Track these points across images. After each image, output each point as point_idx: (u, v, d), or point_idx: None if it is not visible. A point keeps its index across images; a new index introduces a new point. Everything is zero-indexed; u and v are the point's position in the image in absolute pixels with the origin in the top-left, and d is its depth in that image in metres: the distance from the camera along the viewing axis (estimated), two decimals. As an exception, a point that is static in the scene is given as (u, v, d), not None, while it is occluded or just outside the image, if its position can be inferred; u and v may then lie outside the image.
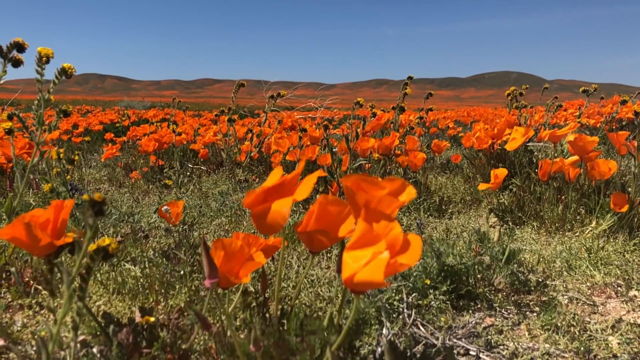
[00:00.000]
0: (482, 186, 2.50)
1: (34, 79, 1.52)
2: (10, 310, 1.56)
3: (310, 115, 7.16)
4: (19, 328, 1.43)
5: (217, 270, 0.87)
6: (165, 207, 2.14)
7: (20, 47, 1.62)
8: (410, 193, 0.82)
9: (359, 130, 3.31)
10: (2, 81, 1.65)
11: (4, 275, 1.71)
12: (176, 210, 2.12)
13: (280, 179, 0.85)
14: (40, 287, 1.64)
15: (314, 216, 0.86)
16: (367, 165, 3.54)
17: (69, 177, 3.35)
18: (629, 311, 1.62)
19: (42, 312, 1.56)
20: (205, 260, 0.86)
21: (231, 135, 4.62)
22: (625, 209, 2.21)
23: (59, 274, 1.05)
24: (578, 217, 2.51)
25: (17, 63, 1.65)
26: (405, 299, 1.57)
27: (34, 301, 1.60)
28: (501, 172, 2.46)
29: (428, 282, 1.62)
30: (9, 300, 1.62)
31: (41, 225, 0.99)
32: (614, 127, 6.18)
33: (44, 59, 1.51)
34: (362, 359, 1.05)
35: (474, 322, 1.52)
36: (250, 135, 4.51)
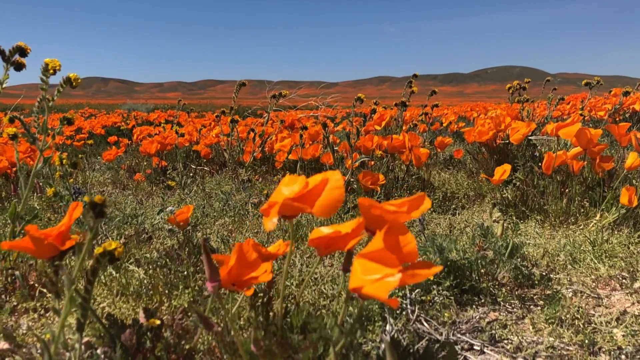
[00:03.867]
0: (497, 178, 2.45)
1: (39, 88, 1.54)
2: (16, 314, 1.57)
3: (312, 114, 7.16)
4: (24, 331, 1.44)
5: (218, 273, 0.87)
6: (170, 208, 2.15)
7: (23, 52, 1.63)
8: (425, 205, 0.81)
9: (359, 127, 3.31)
10: (4, 84, 1.66)
11: (9, 279, 1.72)
12: (185, 216, 2.12)
13: (303, 189, 0.83)
14: (45, 290, 1.65)
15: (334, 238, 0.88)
16: (370, 162, 3.54)
17: (71, 180, 3.37)
18: (633, 303, 1.62)
19: (47, 315, 1.57)
20: (206, 264, 0.86)
21: (234, 136, 4.63)
22: (635, 203, 2.18)
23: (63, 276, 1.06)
24: (582, 210, 2.50)
25: (19, 67, 1.66)
26: (408, 295, 1.57)
27: (39, 304, 1.61)
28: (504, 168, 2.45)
29: (431, 277, 1.62)
30: (14, 303, 1.62)
31: (47, 231, 1.00)
32: (617, 119, 6.15)
33: (51, 71, 1.52)
34: (365, 356, 1.05)
35: (477, 317, 1.52)
36: (252, 135, 4.51)
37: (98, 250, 0.91)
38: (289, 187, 0.84)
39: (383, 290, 0.67)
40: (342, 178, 0.83)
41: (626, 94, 3.86)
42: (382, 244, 0.70)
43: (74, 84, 1.57)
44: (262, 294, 1.21)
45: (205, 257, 0.85)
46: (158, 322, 1.15)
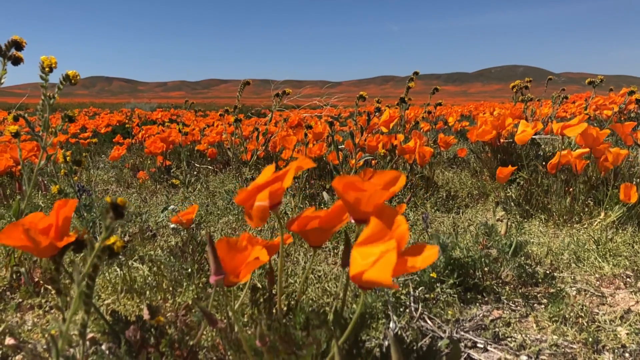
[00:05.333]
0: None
1: (40, 86, 1.54)
2: (21, 310, 1.58)
3: (317, 114, 7.16)
4: (29, 327, 1.45)
5: (223, 267, 0.87)
6: (173, 207, 2.15)
7: (18, 45, 1.62)
8: (400, 183, 0.82)
9: (363, 126, 3.31)
10: (3, 80, 1.65)
11: (14, 276, 1.73)
12: (189, 216, 2.12)
13: (273, 175, 0.86)
14: (49, 287, 1.66)
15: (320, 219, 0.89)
16: (373, 161, 3.54)
17: (76, 178, 3.38)
18: (637, 301, 1.61)
19: (52, 311, 1.57)
20: (211, 257, 0.86)
21: (237, 135, 4.64)
22: (634, 199, 2.19)
23: (64, 273, 1.06)
24: (586, 209, 2.49)
25: (16, 61, 1.65)
26: (412, 292, 1.57)
27: (43, 301, 1.61)
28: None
29: (435, 275, 1.62)
30: (20, 300, 1.63)
31: (44, 228, 1.00)
32: (622, 118, 6.12)
33: (47, 68, 1.52)
34: (368, 353, 1.05)
35: (481, 315, 1.52)
36: (256, 133, 4.52)
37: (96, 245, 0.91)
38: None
39: (385, 271, 0.66)
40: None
41: (631, 93, 3.84)
42: (377, 224, 0.70)
43: (72, 81, 1.57)
44: (263, 291, 1.21)
45: (210, 250, 0.86)
46: (162, 319, 1.15)
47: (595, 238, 2.09)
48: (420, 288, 1.61)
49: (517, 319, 1.51)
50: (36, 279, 1.69)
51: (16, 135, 1.93)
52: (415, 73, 4.24)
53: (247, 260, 0.99)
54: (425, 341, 1.36)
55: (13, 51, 1.60)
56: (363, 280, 0.69)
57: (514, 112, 3.87)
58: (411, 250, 0.73)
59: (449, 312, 1.51)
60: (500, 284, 1.71)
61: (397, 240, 0.70)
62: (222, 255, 0.95)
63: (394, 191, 0.79)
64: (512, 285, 1.72)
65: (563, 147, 2.92)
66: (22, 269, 1.66)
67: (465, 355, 1.33)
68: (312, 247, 0.97)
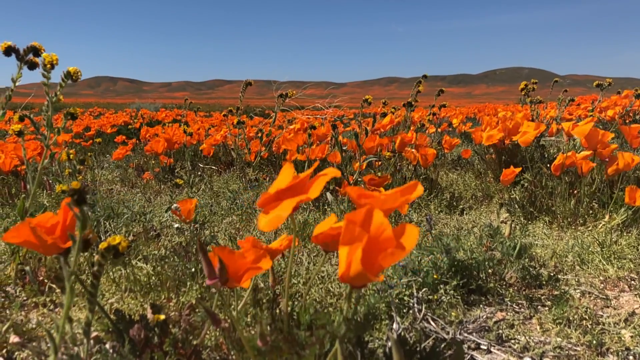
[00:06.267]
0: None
1: (42, 84, 1.55)
2: (25, 309, 1.59)
3: (320, 115, 7.16)
4: (33, 326, 1.46)
5: (216, 271, 0.88)
6: (175, 205, 2.16)
7: (36, 51, 1.64)
8: (417, 191, 0.82)
9: (368, 128, 3.31)
10: (17, 83, 1.67)
11: (19, 274, 1.74)
12: (188, 208, 2.13)
13: (292, 180, 0.86)
14: (54, 286, 1.67)
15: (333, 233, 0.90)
16: (377, 162, 3.54)
17: (80, 177, 3.39)
18: (642, 304, 1.61)
19: (56, 310, 1.58)
20: (204, 263, 0.87)
21: (241, 136, 4.64)
22: (639, 202, 2.18)
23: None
24: (591, 211, 2.49)
25: (32, 65, 1.67)
26: (415, 294, 1.57)
27: (48, 299, 1.62)
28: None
29: (438, 277, 1.62)
30: (24, 298, 1.64)
31: (50, 227, 1.00)
32: (627, 120, 6.10)
33: (48, 65, 1.54)
34: (371, 353, 1.05)
35: (484, 317, 1.52)
36: (260, 134, 4.53)
37: (102, 245, 0.91)
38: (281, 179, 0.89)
39: (355, 264, 0.72)
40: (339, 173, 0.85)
41: (638, 96, 3.83)
42: (347, 223, 0.73)
43: (74, 77, 1.58)
44: (268, 291, 1.21)
45: (202, 256, 0.87)
46: (162, 317, 1.16)
47: (600, 240, 2.08)
48: (424, 289, 1.61)
49: (521, 321, 1.51)
50: (41, 278, 1.70)
51: (20, 134, 1.95)
52: (424, 76, 4.24)
53: (249, 264, 0.99)
54: (428, 342, 1.36)
55: (30, 56, 1.61)
56: (350, 277, 0.74)
57: (528, 115, 3.87)
58: (395, 234, 0.74)
59: (453, 313, 1.51)
60: (504, 286, 1.71)
61: (375, 232, 0.74)
62: (224, 259, 0.95)
63: (409, 199, 0.80)
64: (515, 287, 1.72)
65: (568, 148, 2.91)
66: (27, 268, 1.67)
67: (469, 356, 1.33)
68: (325, 251, 0.98)
